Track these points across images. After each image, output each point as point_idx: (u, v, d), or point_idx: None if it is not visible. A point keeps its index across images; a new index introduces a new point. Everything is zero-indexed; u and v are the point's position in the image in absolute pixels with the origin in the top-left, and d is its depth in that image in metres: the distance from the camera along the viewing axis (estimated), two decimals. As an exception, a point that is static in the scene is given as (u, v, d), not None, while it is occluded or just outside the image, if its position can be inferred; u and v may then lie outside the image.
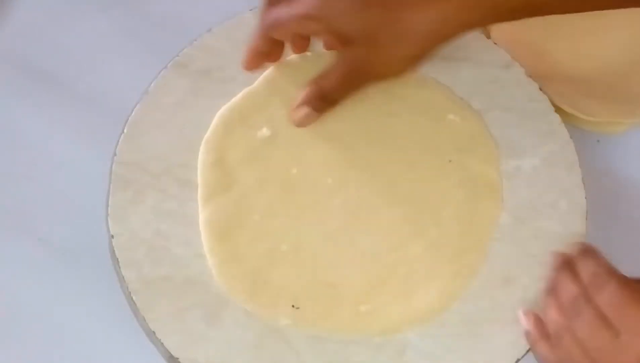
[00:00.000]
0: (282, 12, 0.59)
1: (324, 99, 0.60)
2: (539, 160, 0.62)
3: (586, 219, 0.61)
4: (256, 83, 0.64)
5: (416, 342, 0.57)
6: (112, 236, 0.59)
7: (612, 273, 0.54)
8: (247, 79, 0.64)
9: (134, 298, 0.57)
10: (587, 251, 0.56)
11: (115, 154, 0.61)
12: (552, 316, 0.56)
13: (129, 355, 0.59)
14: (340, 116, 0.62)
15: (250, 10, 0.67)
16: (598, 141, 0.67)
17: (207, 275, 0.58)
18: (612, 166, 0.66)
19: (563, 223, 0.61)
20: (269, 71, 0.64)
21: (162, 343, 0.56)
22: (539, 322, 0.57)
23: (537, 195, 0.62)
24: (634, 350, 0.52)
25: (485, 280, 0.60)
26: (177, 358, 0.56)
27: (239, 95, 0.63)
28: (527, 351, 0.58)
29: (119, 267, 0.58)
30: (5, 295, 0.61)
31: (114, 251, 0.59)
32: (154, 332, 0.56)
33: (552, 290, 0.57)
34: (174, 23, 0.69)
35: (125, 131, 0.62)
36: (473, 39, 0.65)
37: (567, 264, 0.56)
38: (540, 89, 0.65)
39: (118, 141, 0.62)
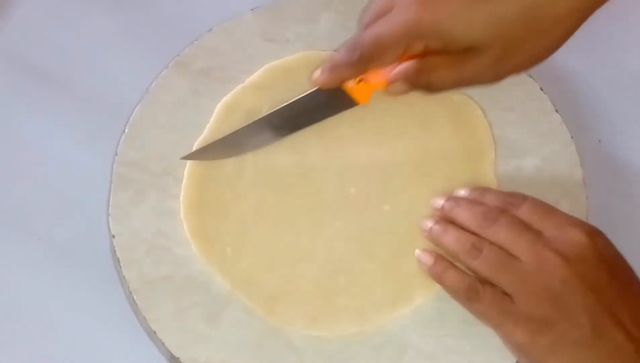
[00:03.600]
0: (382, 30, 0.53)
1: (426, 88, 0.57)
2: (540, 160, 0.62)
3: (587, 219, 0.61)
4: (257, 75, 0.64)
5: (416, 342, 0.57)
6: (113, 236, 0.59)
7: (527, 196, 0.55)
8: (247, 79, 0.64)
9: (134, 298, 0.57)
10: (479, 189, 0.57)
11: (116, 154, 0.61)
12: (460, 236, 0.54)
13: (129, 355, 0.59)
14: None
15: (252, 10, 0.67)
16: (599, 140, 0.67)
17: (207, 275, 0.58)
18: (613, 165, 0.66)
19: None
20: (270, 64, 0.64)
21: (162, 343, 0.56)
22: (440, 256, 0.55)
23: (538, 195, 0.61)
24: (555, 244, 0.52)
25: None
26: (178, 358, 0.56)
27: (240, 88, 0.64)
28: (528, 351, 0.58)
29: (120, 267, 0.58)
30: (6, 294, 0.60)
31: (114, 251, 0.59)
32: (154, 332, 0.56)
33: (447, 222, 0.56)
34: (175, 23, 0.69)
35: (126, 130, 0.62)
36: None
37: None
38: (541, 89, 0.65)
39: (119, 140, 0.62)
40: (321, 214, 0.60)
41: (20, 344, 0.59)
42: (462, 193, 0.58)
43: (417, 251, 0.57)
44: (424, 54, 0.56)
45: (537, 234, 0.53)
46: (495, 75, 0.56)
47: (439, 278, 0.55)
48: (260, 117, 0.61)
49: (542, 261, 0.51)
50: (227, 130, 0.62)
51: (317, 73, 0.58)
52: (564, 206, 0.61)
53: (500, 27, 0.52)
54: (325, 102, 0.59)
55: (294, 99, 0.61)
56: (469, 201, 0.57)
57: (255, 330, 0.57)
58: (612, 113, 0.68)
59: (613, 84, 0.68)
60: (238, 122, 0.62)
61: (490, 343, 0.57)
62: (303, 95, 0.60)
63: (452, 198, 0.57)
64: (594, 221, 0.61)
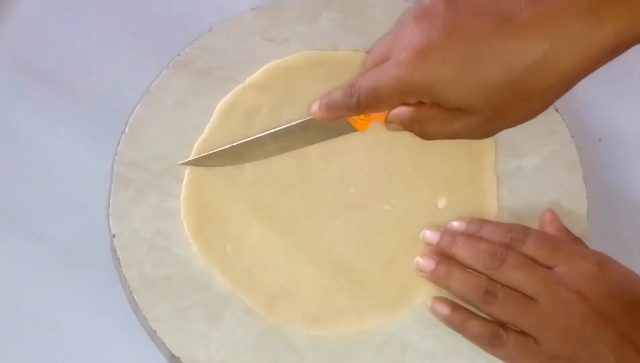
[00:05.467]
0: (377, 82, 0.54)
1: (419, 135, 0.58)
2: (540, 160, 0.62)
3: (587, 219, 0.61)
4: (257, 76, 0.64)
5: (416, 342, 0.57)
6: (114, 236, 0.59)
7: (528, 228, 0.55)
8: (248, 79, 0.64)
9: (135, 297, 0.57)
10: (478, 222, 0.56)
11: (116, 154, 0.61)
12: (469, 280, 0.53)
13: (130, 354, 0.59)
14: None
15: (252, 9, 0.67)
16: (600, 139, 0.67)
17: (207, 275, 0.58)
18: (613, 165, 0.66)
19: (564, 223, 0.61)
20: (270, 64, 0.64)
21: (163, 343, 0.56)
22: (455, 304, 0.55)
23: (538, 195, 0.62)
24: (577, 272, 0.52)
25: (486, 279, 0.60)
26: (179, 358, 0.56)
27: (240, 88, 0.64)
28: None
29: (120, 267, 0.58)
30: (6, 294, 0.60)
31: (115, 250, 0.59)
32: (155, 332, 0.56)
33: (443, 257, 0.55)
34: (175, 23, 0.69)
35: (126, 130, 0.62)
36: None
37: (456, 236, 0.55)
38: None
39: (119, 140, 0.62)
40: (321, 214, 0.60)
41: (20, 344, 0.59)
42: (457, 225, 0.57)
43: (417, 258, 0.56)
44: (419, 103, 0.57)
45: (547, 272, 0.52)
46: (485, 132, 0.57)
47: (459, 328, 0.55)
48: (264, 133, 0.61)
49: (559, 300, 0.51)
50: (227, 130, 0.62)
51: (315, 106, 0.59)
52: (564, 206, 0.61)
53: (489, 94, 0.52)
54: (326, 126, 0.60)
55: (296, 122, 0.61)
56: (468, 237, 0.55)
57: (255, 330, 0.57)
58: (612, 113, 0.68)
59: (613, 84, 0.68)
60: (238, 122, 0.62)
61: (490, 342, 0.57)
62: (306, 119, 0.60)
63: (447, 233, 0.56)
64: (594, 221, 0.61)
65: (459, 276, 0.54)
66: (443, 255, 0.56)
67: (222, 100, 0.63)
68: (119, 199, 0.60)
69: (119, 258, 0.58)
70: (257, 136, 0.61)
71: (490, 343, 0.53)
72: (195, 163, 0.60)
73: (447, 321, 0.55)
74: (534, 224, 0.60)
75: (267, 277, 0.58)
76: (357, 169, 0.62)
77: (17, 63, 0.68)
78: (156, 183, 0.61)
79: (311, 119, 0.59)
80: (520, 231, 0.55)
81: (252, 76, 0.64)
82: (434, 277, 0.56)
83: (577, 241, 0.57)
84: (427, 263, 0.56)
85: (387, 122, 0.60)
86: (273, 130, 0.61)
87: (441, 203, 0.61)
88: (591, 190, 0.62)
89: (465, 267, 0.55)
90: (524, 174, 0.62)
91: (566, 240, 0.56)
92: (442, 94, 0.53)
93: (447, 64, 0.52)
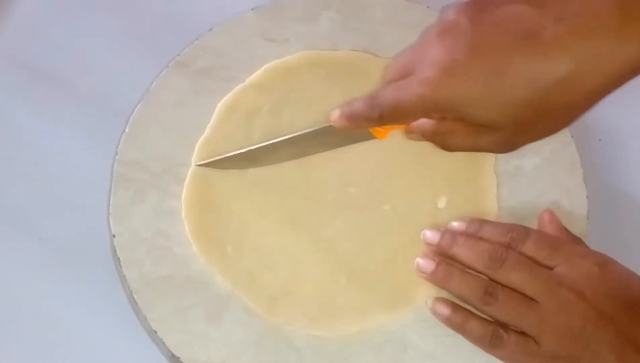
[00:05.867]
0: (401, 97, 0.54)
1: (441, 147, 0.58)
2: (540, 159, 0.62)
3: (587, 218, 0.61)
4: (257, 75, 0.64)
5: (417, 342, 0.57)
6: (114, 236, 0.59)
7: (528, 228, 0.55)
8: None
9: (135, 297, 0.57)
10: (477, 222, 0.56)
11: (116, 154, 0.61)
12: (469, 281, 0.54)
13: (130, 354, 0.59)
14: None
15: (252, 9, 0.67)
16: (600, 139, 0.67)
17: (207, 275, 0.58)
18: (613, 165, 0.66)
19: (564, 223, 0.61)
20: (271, 64, 0.64)
21: (163, 343, 0.56)
22: (455, 305, 0.55)
23: (539, 194, 0.62)
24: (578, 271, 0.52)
25: (486, 279, 0.60)
26: (179, 358, 0.56)
27: (240, 87, 0.64)
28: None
29: (120, 266, 0.58)
30: (6, 294, 0.60)
31: (115, 250, 0.59)
32: (155, 331, 0.56)
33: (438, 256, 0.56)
34: (175, 22, 0.69)
35: (126, 130, 0.62)
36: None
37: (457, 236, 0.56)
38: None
39: (119, 140, 0.62)
40: (322, 213, 0.60)
41: (20, 344, 0.59)
42: (457, 225, 0.57)
43: (417, 259, 0.56)
44: (442, 118, 0.56)
45: (548, 272, 0.53)
46: (508, 148, 0.57)
47: (460, 329, 0.55)
48: (281, 138, 0.61)
49: (559, 301, 0.51)
50: (228, 130, 0.62)
51: (336, 114, 0.57)
52: (564, 206, 0.61)
53: (513, 111, 0.52)
54: (343, 133, 0.59)
55: (314, 128, 0.61)
56: (468, 237, 0.56)
57: (255, 330, 0.57)
58: (612, 113, 0.68)
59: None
60: (238, 121, 0.62)
61: (490, 342, 0.58)
62: (324, 125, 0.60)
63: (447, 233, 0.56)
64: (594, 221, 0.61)
65: (459, 278, 0.54)
66: (443, 256, 0.56)
67: (222, 100, 0.63)
68: (119, 199, 0.60)
69: (119, 258, 0.58)
70: (273, 140, 0.61)
71: (490, 343, 0.53)
72: (211, 165, 0.60)
73: (448, 321, 0.55)
74: (534, 224, 0.60)
75: (267, 277, 0.58)
76: (358, 169, 0.62)
77: (17, 63, 0.68)
78: (156, 183, 0.61)
79: (330, 126, 0.59)
80: (520, 232, 0.55)
81: (252, 76, 0.64)
82: (433, 278, 0.56)
83: (577, 241, 0.57)
84: (427, 264, 0.56)
85: (408, 133, 0.59)
86: (290, 135, 0.61)
87: (441, 203, 0.61)
88: (591, 190, 0.62)
89: (465, 268, 0.55)
90: (524, 174, 0.62)
91: (566, 240, 0.57)
92: (466, 111, 0.53)
93: (472, 82, 0.52)
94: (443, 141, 0.57)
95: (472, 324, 0.54)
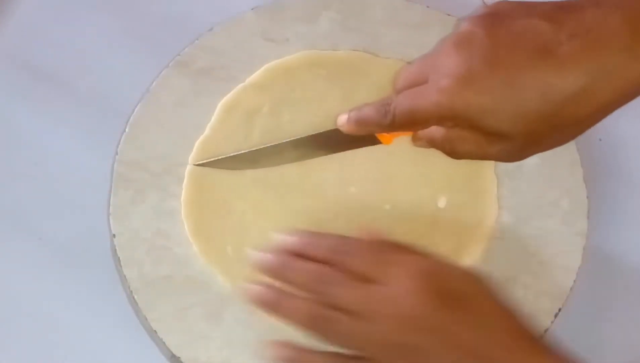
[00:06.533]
0: (415, 105, 0.54)
1: (449, 154, 0.57)
2: (540, 159, 0.62)
3: (587, 218, 0.61)
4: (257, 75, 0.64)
5: (417, 342, 0.56)
6: (114, 236, 0.59)
7: (351, 241, 0.54)
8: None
9: (135, 297, 0.57)
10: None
11: (116, 154, 0.61)
12: (301, 307, 0.52)
13: (130, 354, 0.59)
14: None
15: (252, 9, 0.67)
16: (600, 139, 0.67)
17: (207, 275, 0.58)
18: (613, 164, 0.66)
19: (565, 222, 0.61)
20: (271, 64, 0.64)
21: (163, 343, 0.56)
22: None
23: (539, 194, 0.62)
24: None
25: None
26: (179, 357, 0.56)
27: (240, 87, 0.64)
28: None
29: (121, 266, 0.58)
30: (6, 294, 0.60)
31: (115, 250, 0.59)
32: (155, 331, 0.56)
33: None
34: (176, 22, 0.69)
35: (126, 130, 0.62)
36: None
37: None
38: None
39: (119, 140, 0.62)
40: (322, 213, 0.60)
41: (20, 344, 0.59)
42: (285, 241, 0.54)
43: (245, 285, 0.53)
44: (452, 125, 0.56)
45: (369, 288, 0.51)
46: (517, 157, 0.57)
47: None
48: (285, 140, 0.61)
49: (380, 317, 0.50)
50: (228, 129, 0.62)
51: (343, 119, 0.58)
52: (564, 205, 0.61)
53: (526, 123, 0.53)
54: (349, 137, 0.59)
55: (319, 131, 0.61)
56: (296, 259, 0.53)
57: (255, 330, 0.57)
58: (612, 113, 0.68)
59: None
60: (239, 121, 0.62)
61: (490, 342, 0.57)
62: (330, 129, 0.60)
63: (276, 257, 0.54)
64: (594, 221, 0.61)
65: (289, 304, 0.52)
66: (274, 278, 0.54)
67: (222, 100, 0.63)
68: (119, 199, 0.60)
69: (119, 257, 0.58)
70: (277, 142, 0.61)
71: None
72: (211, 165, 0.60)
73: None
74: (534, 224, 0.60)
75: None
76: (358, 169, 0.62)
77: (17, 63, 0.68)
78: (156, 183, 0.61)
79: (335, 129, 0.59)
80: (345, 244, 0.54)
81: (252, 76, 0.64)
82: (261, 303, 0.53)
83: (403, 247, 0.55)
84: (255, 289, 0.53)
85: (415, 139, 0.59)
86: (295, 138, 0.61)
87: (441, 202, 0.61)
88: (591, 190, 0.62)
89: (294, 293, 0.53)
90: (524, 174, 0.62)
91: (391, 248, 0.54)
92: (480, 120, 0.53)
93: (487, 92, 0.52)
94: (451, 148, 0.57)
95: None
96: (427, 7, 0.67)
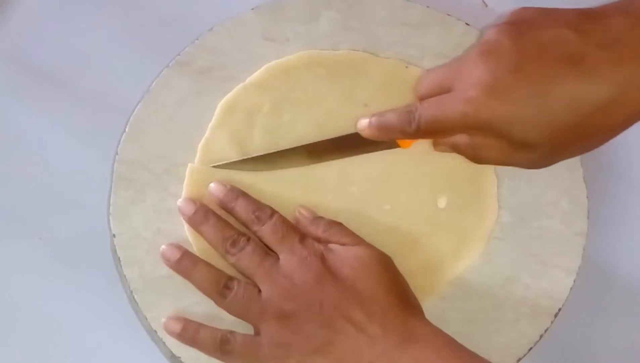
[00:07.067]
0: (441, 114, 0.55)
1: (471, 159, 0.58)
2: (540, 159, 0.62)
3: (587, 218, 0.61)
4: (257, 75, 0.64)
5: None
6: (114, 235, 0.59)
7: (273, 211, 0.58)
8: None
9: (135, 297, 0.57)
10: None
11: (116, 153, 0.61)
12: (209, 276, 0.56)
13: (130, 354, 0.59)
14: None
15: (252, 9, 0.67)
16: (600, 139, 0.67)
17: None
18: (613, 164, 0.66)
19: (565, 222, 0.61)
20: (271, 64, 0.64)
21: (163, 342, 0.56)
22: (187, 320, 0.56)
23: (539, 194, 0.62)
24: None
25: (486, 279, 0.60)
26: (179, 357, 0.56)
27: (240, 87, 0.64)
28: (529, 350, 0.58)
29: (121, 266, 0.58)
30: (6, 294, 0.60)
31: (115, 250, 0.59)
32: (155, 331, 0.56)
33: None
34: (176, 22, 0.69)
35: (126, 130, 0.62)
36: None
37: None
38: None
39: (120, 140, 0.62)
40: (322, 213, 0.60)
41: (20, 344, 0.59)
42: (216, 190, 0.59)
43: (162, 247, 0.58)
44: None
45: (272, 261, 0.55)
46: (540, 165, 0.58)
47: (192, 342, 0.56)
48: (304, 143, 0.61)
49: (277, 287, 0.54)
50: (229, 129, 0.62)
51: (364, 123, 0.58)
52: (564, 205, 0.61)
53: (553, 132, 0.53)
54: (368, 141, 0.60)
55: (339, 135, 0.61)
56: (218, 220, 0.58)
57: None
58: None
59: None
60: (239, 121, 0.62)
61: (490, 343, 0.57)
62: (350, 133, 0.60)
63: (202, 209, 0.58)
64: (594, 220, 0.61)
65: (199, 273, 0.57)
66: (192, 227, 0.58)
67: (222, 100, 0.63)
68: (120, 199, 0.60)
69: (119, 257, 0.58)
70: (296, 145, 0.61)
71: (221, 350, 0.55)
72: (230, 166, 0.60)
73: (179, 337, 0.56)
74: (534, 224, 0.60)
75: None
76: (358, 169, 0.62)
77: (17, 63, 0.68)
78: (156, 183, 0.61)
79: (355, 133, 0.59)
80: (265, 213, 0.57)
81: (252, 76, 0.64)
82: (177, 268, 0.57)
83: (329, 224, 0.58)
84: (171, 253, 0.57)
85: (437, 144, 0.60)
86: (314, 141, 0.61)
87: (441, 202, 0.61)
88: (591, 190, 0.62)
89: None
90: (524, 174, 0.62)
91: (304, 228, 0.58)
92: (506, 130, 0.54)
93: (514, 103, 0.53)
94: (475, 155, 0.57)
95: (202, 332, 0.55)
96: (427, 7, 0.67)
